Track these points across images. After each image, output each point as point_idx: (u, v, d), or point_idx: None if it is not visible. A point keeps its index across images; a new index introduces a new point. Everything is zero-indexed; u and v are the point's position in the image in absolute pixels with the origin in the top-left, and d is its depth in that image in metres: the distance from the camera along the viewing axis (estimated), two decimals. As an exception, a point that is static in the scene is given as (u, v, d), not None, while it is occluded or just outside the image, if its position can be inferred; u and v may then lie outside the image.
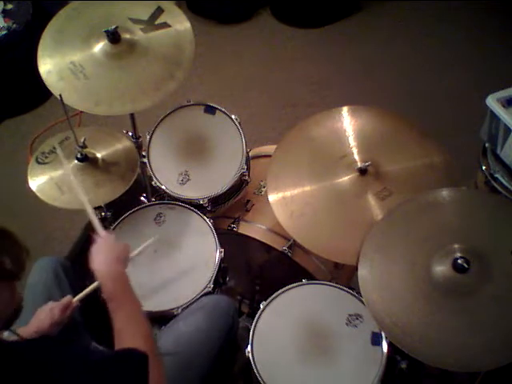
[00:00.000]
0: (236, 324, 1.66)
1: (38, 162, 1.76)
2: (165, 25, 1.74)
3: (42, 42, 1.71)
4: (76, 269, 1.68)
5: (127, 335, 1.21)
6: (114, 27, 1.64)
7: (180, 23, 1.75)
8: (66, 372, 1.05)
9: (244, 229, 1.86)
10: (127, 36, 1.70)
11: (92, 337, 1.59)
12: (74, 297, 1.47)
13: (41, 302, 1.46)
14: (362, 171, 1.58)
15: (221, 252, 1.71)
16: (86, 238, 2.33)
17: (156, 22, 1.74)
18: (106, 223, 1.87)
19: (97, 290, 1.46)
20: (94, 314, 1.58)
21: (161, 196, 1.91)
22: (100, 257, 1.34)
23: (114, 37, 1.66)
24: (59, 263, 1.65)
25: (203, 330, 1.55)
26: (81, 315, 1.59)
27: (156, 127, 1.89)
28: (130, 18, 1.74)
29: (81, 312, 1.59)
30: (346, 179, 1.60)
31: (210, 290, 1.66)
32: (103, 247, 1.37)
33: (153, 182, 1.85)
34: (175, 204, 1.82)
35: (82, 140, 1.69)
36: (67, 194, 1.70)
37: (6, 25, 2.64)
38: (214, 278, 1.67)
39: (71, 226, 2.42)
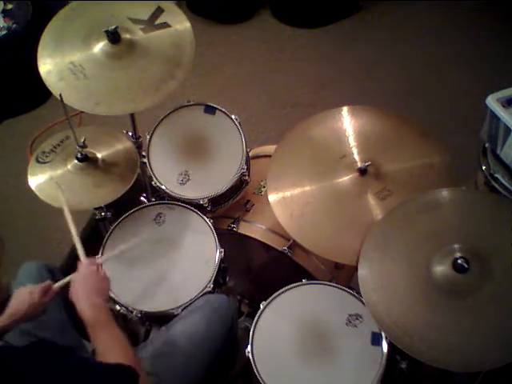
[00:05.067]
0: (236, 324, 1.66)
1: (38, 161, 1.76)
2: (165, 25, 1.74)
3: (41, 41, 1.70)
4: (71, 272, 1.68)
5: (111, 357, 1.21)
6: (114, 27, 1.64)
7: (180, 23, 1.75)
8: (58, 379, 1.07)
9: (244, 229, 1.86)
10: (127, 36, 1.69)
11: (81, 334, 1.58)
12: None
13: None
14: (362, 171, 1.58)
15: (221, 252, 1.71)
16: (86, 239, 2.33)
17: (156, 22, 1.74)
18: (106, 223, 1.87)
19: None
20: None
21: (161, 196, 1.91)
22: (80, 291, 1.34)
23: (114, 37, 1.66)
24: (45, 267, 1.64)
25: (202, 330, 1.55)
26: (66, 313, 1.59)
27: (156, 127, 1.89)
28: (130, 18, 1.74)
29: (66, 310, 1.59)
30: (345, 179, 1.59)
31: (210, 289, 1.66)
32: (84, 280, 1.37)
33: (153, 182, 1.85)
34: (175, 204, 1.82)
35: (82, 140, 1.69)
36: (66, 194, 1.70)
37: (5, 25, 2.64)
38: (213, 278, 1.67)
39: (71, 226, 2.41)
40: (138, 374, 1.16)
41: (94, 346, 1.26)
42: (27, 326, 1.47)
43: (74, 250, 2.32)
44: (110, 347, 1.24)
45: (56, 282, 1.50)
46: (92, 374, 1.13)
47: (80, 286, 1.35)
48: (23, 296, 1.39)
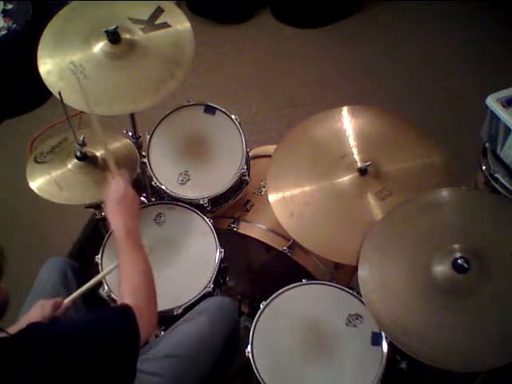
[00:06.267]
0: (238, 326, 1.66)
1: (37, 162, 1.76)
2: (165, 25, 1.74)
3: (41, 41, 1.70)
4: (82, 270, 1.69)
5: (133, 278, 1.28)
6: (114, 27, 1.64)
7: (180, 23, 1.75)
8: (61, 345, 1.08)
9: (244, 229, 1.86)
10: (127, 36, 1.69)
11: None
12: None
13: None
14: (362, 171, 1.58)
15: (221, 252, 1.71)
16: (86, 239, 2.33)
17: (156, 22, 1.74)
18: (106, 223, 1.87)
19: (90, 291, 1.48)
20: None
21: (161, 196, 1.91)
22: (115, 207, 1.38)
23: (113, 37, 1.66)
24: (68, 264, 1.66)
25: (206, 333, 1.55)
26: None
27: (156, 127, 1.89)
28: (130, 18, 1.74)
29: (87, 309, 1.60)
30: (345, 179, 1.60)
31: (210, 290, 1.66)
32: (117, 194, 1.40)
33: (153, 182, 1.85)
34: (175, 204, 1.82)
35: (82, 138, 1.69)
36: (66, 191, 1.70)
37: (5, 25, 2.64)
38: (214, 278, 1.67)
39: (71, 226, 2.41)
40: (134, 315, 1.16)
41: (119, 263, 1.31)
42: None
43: (73, 250, 2.34)
44: (133, 269, 1.29)
45: (78, 283, 1.54)
46: (89, 326, 1.15)
47: (115, 203, 1.39)
48: (35, 309, 1.40)
